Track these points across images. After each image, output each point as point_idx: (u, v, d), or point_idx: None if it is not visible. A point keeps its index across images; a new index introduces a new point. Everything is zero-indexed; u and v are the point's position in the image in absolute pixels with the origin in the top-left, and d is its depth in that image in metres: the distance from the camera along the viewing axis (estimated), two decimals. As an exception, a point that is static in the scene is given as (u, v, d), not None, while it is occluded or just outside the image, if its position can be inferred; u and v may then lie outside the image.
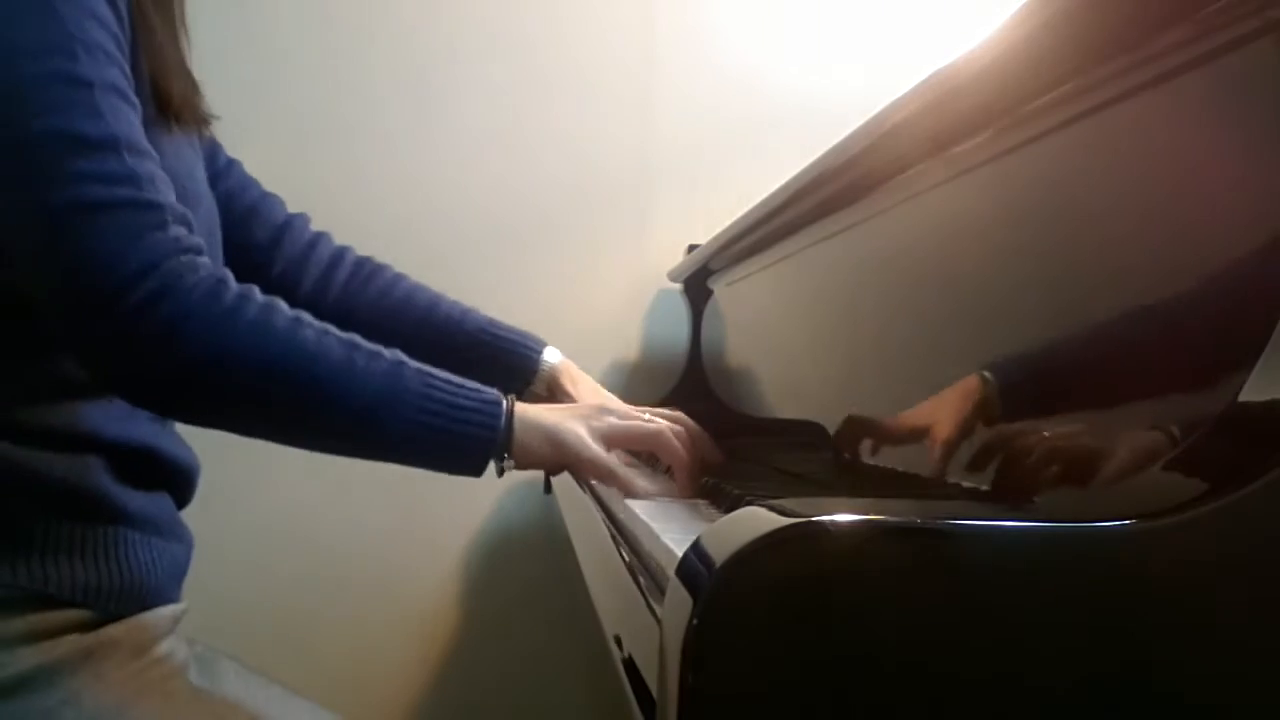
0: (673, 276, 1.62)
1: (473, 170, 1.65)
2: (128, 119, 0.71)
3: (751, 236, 1.22)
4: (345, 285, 1.04)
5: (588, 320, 1.67)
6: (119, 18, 0.74)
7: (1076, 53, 0.60)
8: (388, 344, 0.89)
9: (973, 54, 0.66)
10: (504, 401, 0.78)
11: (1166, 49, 0.54)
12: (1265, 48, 0.48)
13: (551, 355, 1.07)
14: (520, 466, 0.80)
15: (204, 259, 0.71)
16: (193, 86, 0.84)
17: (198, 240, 0.71)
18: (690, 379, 1.58)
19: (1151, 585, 0.43)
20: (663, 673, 0.44)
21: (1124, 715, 0.43)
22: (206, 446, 0.87)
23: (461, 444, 0.76)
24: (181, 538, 0.84)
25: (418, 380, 0.74)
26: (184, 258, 0.69)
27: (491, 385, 0.88)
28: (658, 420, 0.89)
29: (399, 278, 1.07)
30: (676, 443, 0.88)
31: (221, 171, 1.02)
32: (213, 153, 1.00)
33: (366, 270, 1.07)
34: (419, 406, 0.74)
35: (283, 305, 0.73)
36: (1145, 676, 0.43)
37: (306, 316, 0.74)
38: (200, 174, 0.87)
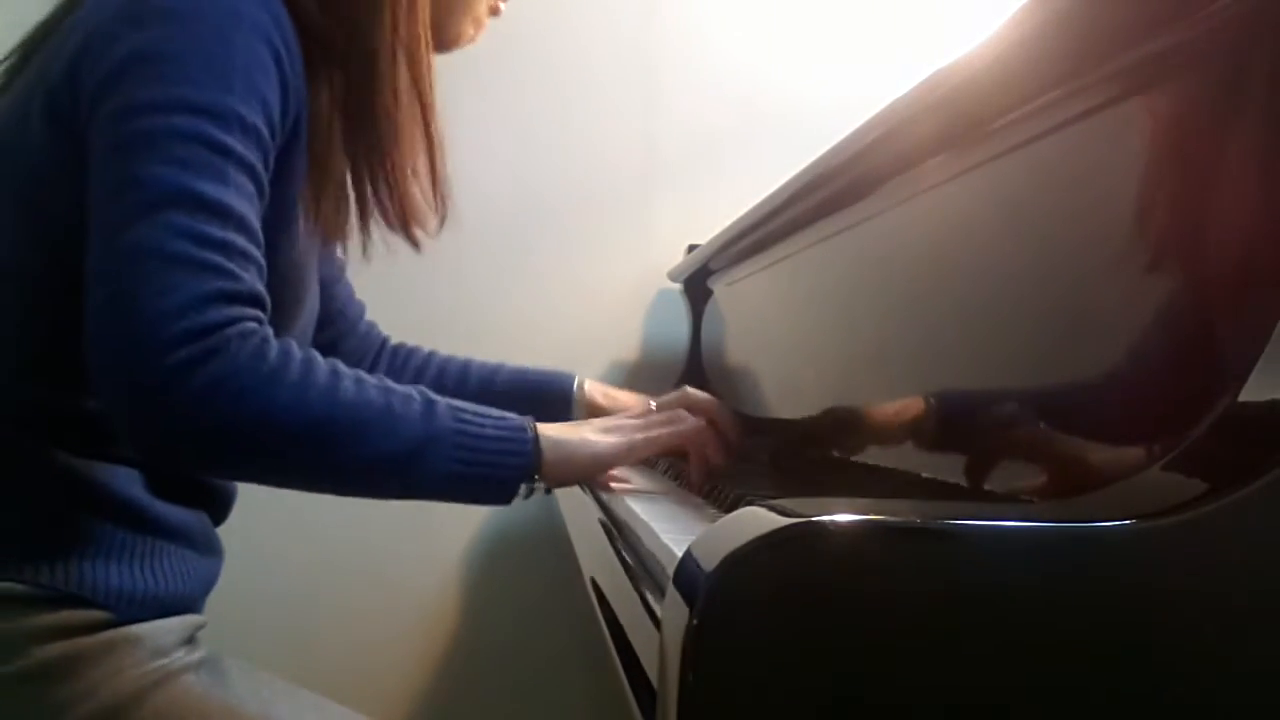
0: (673, 276, 1.62)
1: (473, 170, 1.65)
2: (249, 199, 0.72)
3: (751, 236, 1.22)
4: (386, 373, 1.09)
5: (588, 320, 1.67)
6: (285, 112, 0.76)
7: (1076, 53, 0.60)
8: None
9: (972, 54, 0.66)
10: (528, 427, 0.80)
11: (1166, 49, 0.54)
12: (1265, 48, 0.48)
13: (581, 382, 1.14)
14: (551, 486, 0.82)
15: (255, 325, 0.71)
16: (340, 216, 0.86)
17: (259, 315, 0.72)
18: (690, 379, 1.58)
19: (1151, 585, 0.43)
20: (663, 672, 0.44)
21: (1124, 715, 0.43)
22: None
23: (494, 476, 0.78)
24: (215, 552, 0.86)
25: (450, 417, 0.76)
26: (239, 326, 0.69)
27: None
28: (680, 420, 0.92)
29: (429, 356, 1.16)
30: (699, 440, 0.91)
31: (337, 274, 1.10)
32: (331, 260, 1.07)
33: (402, 355, 1.16)
34: (455, 444, 0.75)
35: (319, 358, 0.74)
36: (1145, 676, 0.43)
37: (341, 366, 0.75)
38: (314, 272, 0.90)
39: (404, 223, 0.88)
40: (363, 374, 0.75)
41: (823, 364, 1.03)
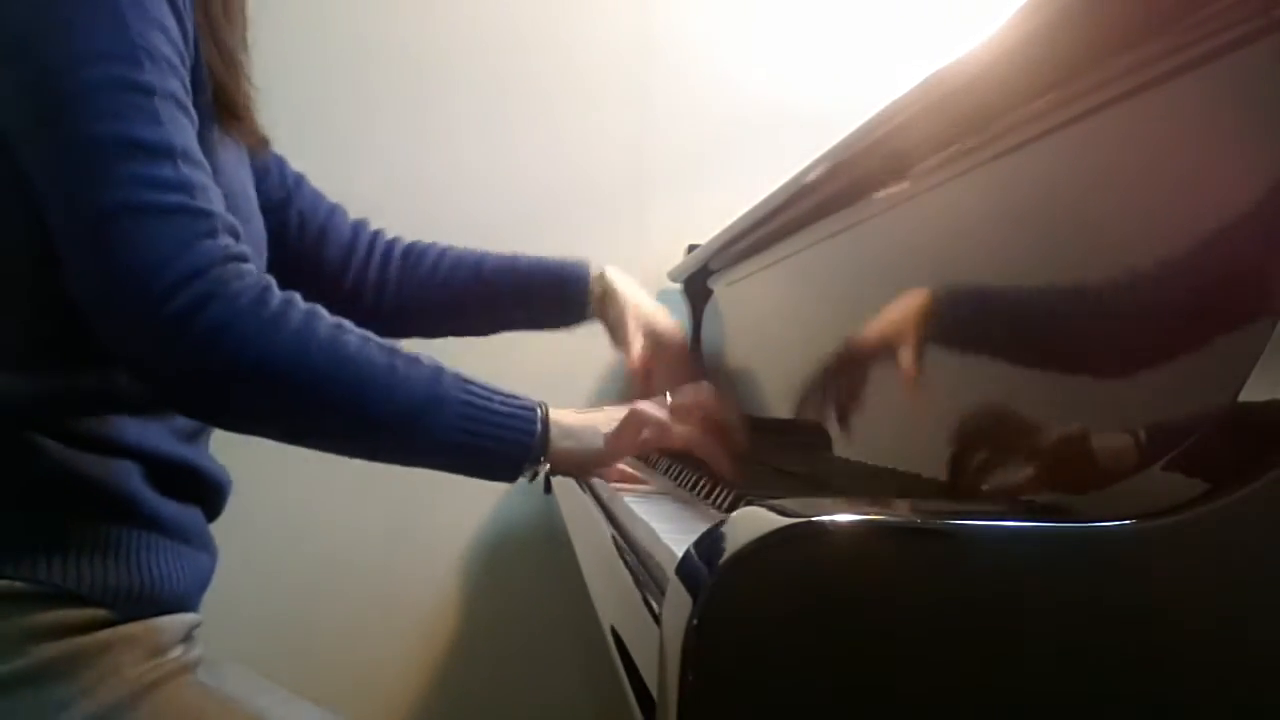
0: (673, 276, 1.62)
1: (471, 171, 1.65)
2: (184, 129, 0.72)
3: (751, 236, 1.22)
4: (399, 278, 1.09)
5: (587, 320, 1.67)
6: (184, 29, 0.75)
7: (1077, 52, 0.60)
8: (448, 308, 0.98)
9: (973, 54, 0.66)
10: (539, 409, 0.79)
11: (1166, 49, 0.54)
12: (1265, 48, 0.48)
13: (599, 270, 1.12)
14: (556, 471, 0.82)
15: (250, 266, 0.71)
16: (252, 100, 0.85)
17: (245, 249, 0.72)
18: (690, 379, 1.57)
19: (1151, 585, 0.43)
20: (663, 672, 0.44)
21: (1124, 715, 0.43)
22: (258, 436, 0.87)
23: (500, 450, 0.77)
24: (208, 548, 0.86)
25: (457, 387, 0.75)
26: (231, 265, 0.69)
27: (552, 313, 0.94)
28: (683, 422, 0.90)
29: (444, 251, 1.12)
30: (706, 440, 0.89)
31: (292, 189, 1.05)
32: (280, 168, 1.04)
33: (414, 255, 1.11)
34: (459, 413, 0.75)
35: (324, 313, 0.74)
36: (1146, 676, 0.43)
37: (348, 324, 0.74)
38: (251, 192, 0.89)
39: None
40: (370, 334, 0.75)
41: (823, 364, 1.03)
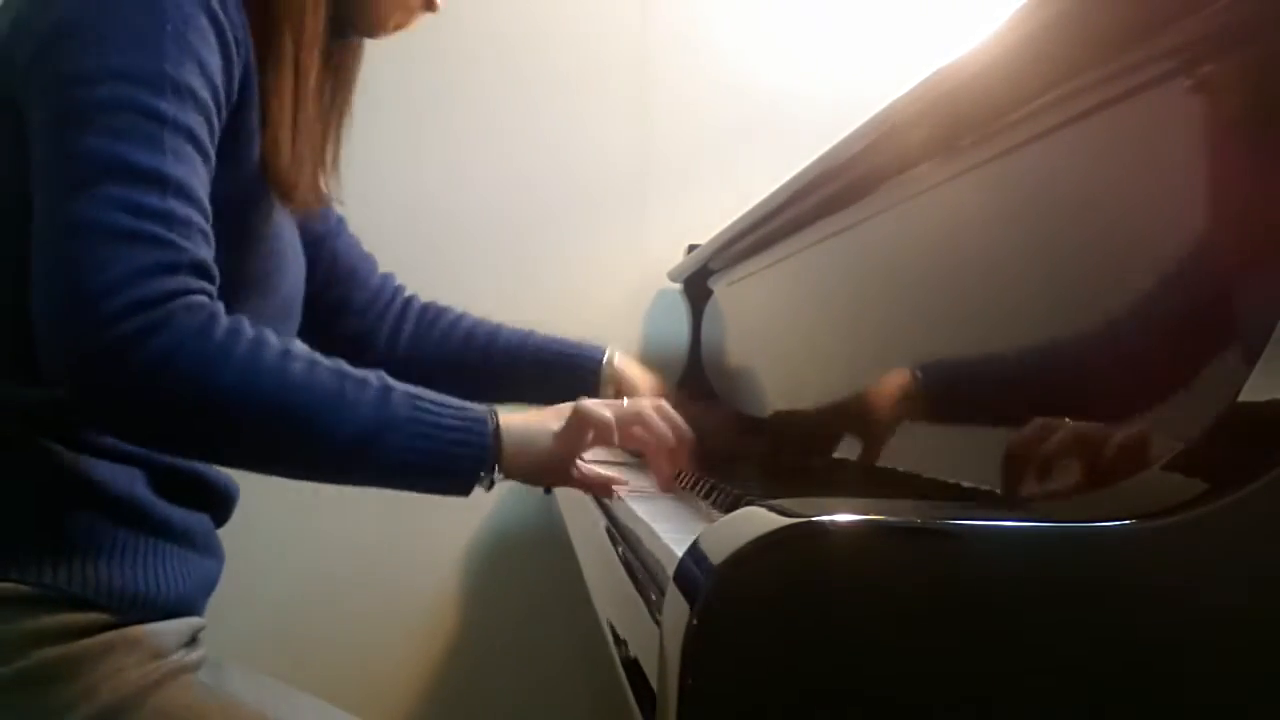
0: (673, 276, 1.62)
1: (471, 171, 1.65)
2: (189, 163, 0.71)
3: (751, 236, 1.22)
4: (413, 336, 1.08)
5: (588, 320, 1.66)
6: (229, 75, 0.74)
7: (1077, 52, 0.60)
8: (457, 378, 0.97)
9: (973, 54, 0.66)
10: (489, 419, 0.78)
11: (1166, 49, 0.54)
12: (1265, 48, 0.48)
13: (611, 357, 1.11)
14: (511, 477, 0.80)
15: (201, 299, 0.70)
16: (308, 170, 0.85)
17: (207, 288, 0.71)
18: (690, 379, 1.58)
19: (1151, 585, 0.43)
20: (662, 673, 0.44)
21: (1124, 715, 0.43)
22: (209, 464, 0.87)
23: (451, 466, 0.76)
24: (215, 553, 0.86)
25: (406, 404, 0.74)
26: (183, 299, 0.68)
27: (561, 394, 0.89)
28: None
29: (460, 317, 1.12)
30: (655, 427, 0.86)
31: (333, 229, 1.06)
32: (325, 211, 1.03)
33: (430, 316, 1.11)
34: (410, 431, 0.73)
35: (271, 337, 0.72)
36: (1146, 676, 0.43)
37: (297, 347, 0.73)
38: (293, 238, 0.89)
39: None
40: (319, 356, 0.73)
41: (823, 364, 1.03)
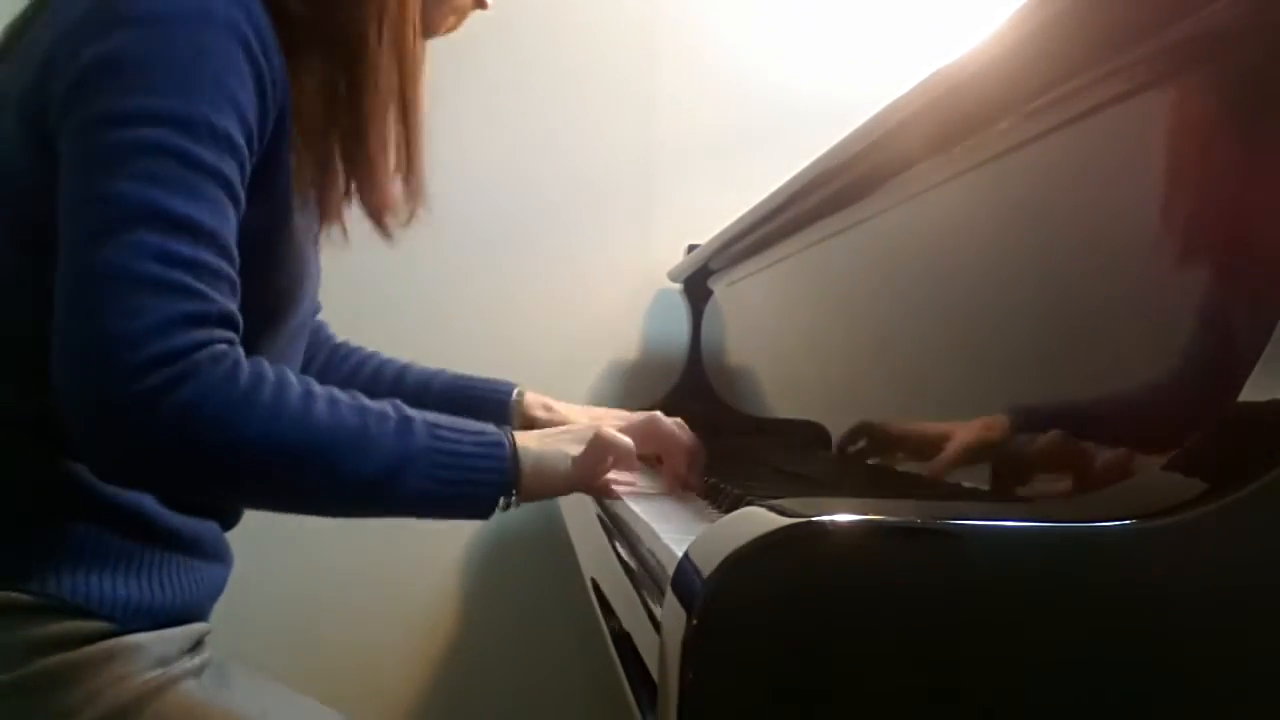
0: (673, 276, 1.62)
1: (472, 170, 1.65)
2: (222, 213, 0.70)
3: (751, 236, 1.22)
4: (322, 371, 1.08)
5: (588, 320, 1.67)
6: (263, 117, 0.73)
7: (1077, 52, 0.60)
8: None
9: (973, 54, 0.66)
10: (506, 442, 0.78)
11: (1167, 48, 0.54)
12: (1265, 48, 0.48)
13: (519, 393, 1.08)
14: (527, 499, 0.80)
15: (225, 347, 0.69)
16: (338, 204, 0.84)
17: (230, 335, 0.70)
18: (690, 379, 1.58)
19: (1151, 585, 0.43)
20: (663, 672, 0.44)
21: (1124, 715, 0.43)
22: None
23: (471, 493, 0.76)
24: (223, 559, 0.86)
25: (425, 434, 0.74)
26: (209, 350, 0.67)
27: None
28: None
29: (369, 356, 1.11)
30: (673, 428, 0.88)
31: None
32: None
33: (340, 354, 1.11)
34: (431, 462, 0.74)
35: (293, 379, 0.72)
36: (1145, 676, 0.43)
37: (314, 386, 0.73)
38: (314, 256, 0.88)
39: (376, 213, 0.85)
40: (336, 392, 0.73)
41: (823, 364, 1.03)
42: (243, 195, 0.73)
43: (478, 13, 0.97)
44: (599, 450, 0.81)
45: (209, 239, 0.68)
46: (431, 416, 0.75)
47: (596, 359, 1.66)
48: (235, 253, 0.71)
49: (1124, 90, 0.57)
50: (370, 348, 1.13)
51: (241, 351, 0.70)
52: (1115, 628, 0.43)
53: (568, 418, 1.05)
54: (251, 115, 0.72)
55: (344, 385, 0.93)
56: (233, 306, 0.70)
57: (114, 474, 0.71)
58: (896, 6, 1.69)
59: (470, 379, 1.09)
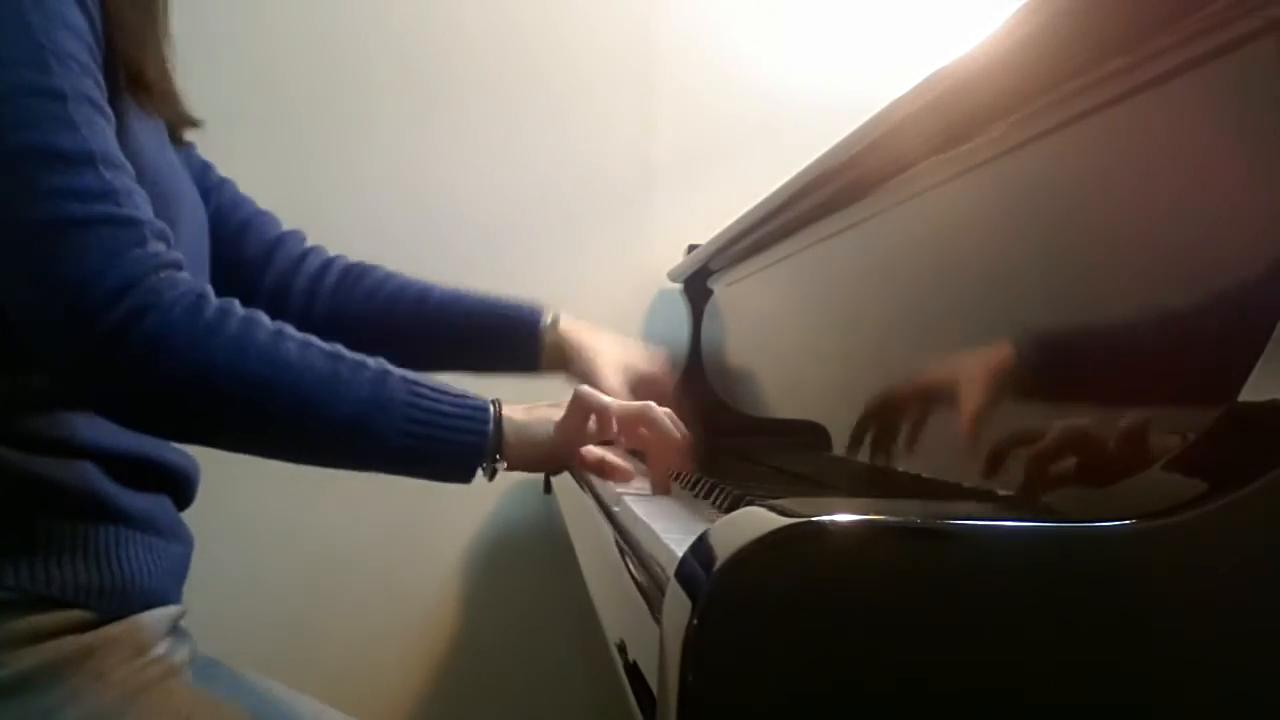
0: (673, 276, 1.62)
1: (472, 170, 1.65)
2: (102, 131, 0.70)
3: (751, 236, 1.22)
4: (333, 292, 1.02)
5: (588, 320, 1.67)
6: (90, 20, 0.72)
7: (1077, 52, 0.60)
8: (385, 340, 0.88)
9: (973, 53, 0.66)
10: (491, 407, 0.77)
11: (1167, 49, 0.54)
12: (1265, 48, 0.48)
13: (553, 318, 1.03)
14: (514, 467, 0.79)
15: (184, 274, 0.70)
16: (169, 80, 0.82)
17: (177, 255, 0.71)
18: (690, 379, 1.58)
19: (1152, 585, 0.43)
20: (663, 673, 0.44)
21: (1125, 715, 0.43)
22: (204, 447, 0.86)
23: (451, 451, 0.75)
24: (182, 538, 0.84)
25: (403, 389, 0.74)
26: (164, 273, 0.68)
27: (499, 360, 0.89)
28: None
29: (389, 275, 1.04)
30: (666, 422, 0.84)
31: (213, 188, 1.00)
32: (204, 170, 1.00)
33: (355, 274, 1.04)
34: (406, 416, 0.73)
35: (264, 319, 0.72)
36: (1145, 676, 0.43)
37: (289, 329, 0.72)
38: (182, 173, 0.86)
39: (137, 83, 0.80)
40: (314, 339, 0.73)
41: (823, 364, 1.03)
42: (108, 106, 0.72)
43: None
44: (580, 409, 0.80)
45: (105, 161, 0.68)
46: (414, 374, 0.75)
47: (596, 359, 1.66)
48: (130, 165, 0.71)
49: (1124, 90, 0.57)
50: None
51: (208, 286, 0.70)
52: (1115, 628, 0.43)
53: (596, 347, 1.01)
54: (81, 24, 0.71)
55: (361, 309, 0.95)
56: (151, 215, 0.70)
57: (113, 413, 0.72)
58: (897, 6, 1.69)
59: (498, 299, 1.03)
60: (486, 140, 1.65)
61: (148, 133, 0.80)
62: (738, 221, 1.21)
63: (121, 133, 0.75)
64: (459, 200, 1.64)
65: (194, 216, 0.86)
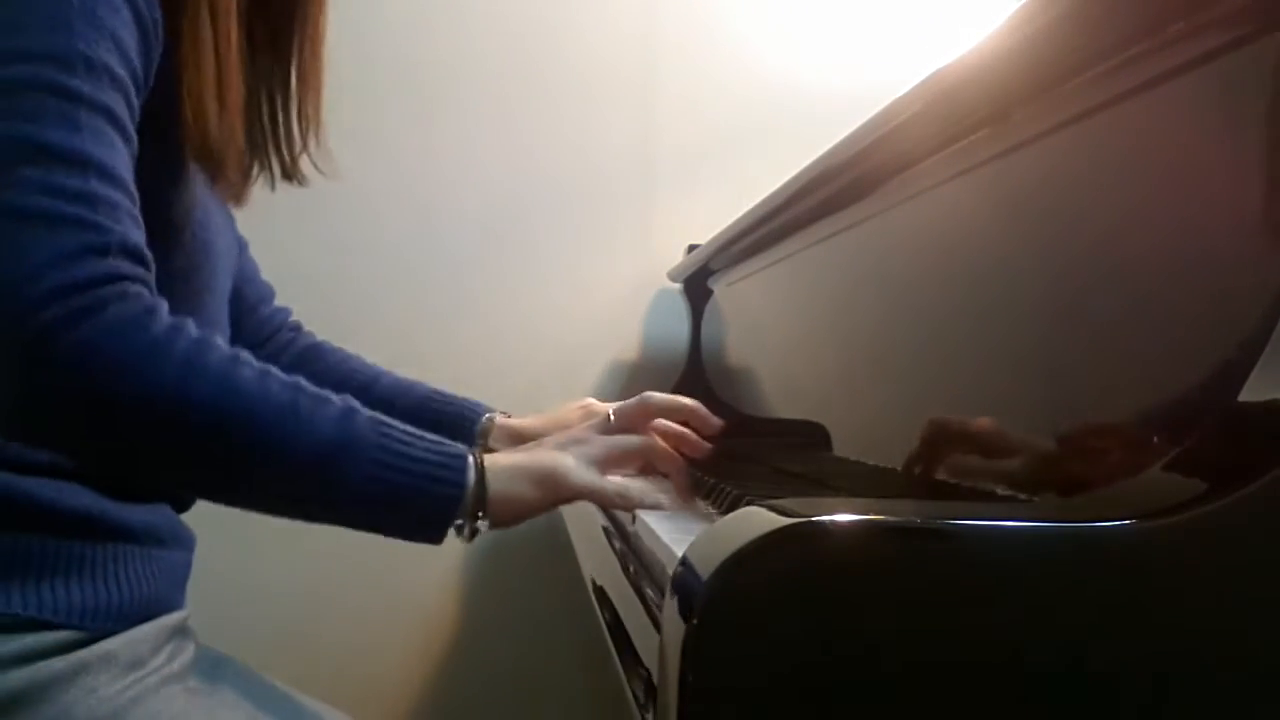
0: (673, 276, 1.62)
1: (473, 171, 1.65)
2: (110, 144, 0.66)
3: (752, 236, 1.22)
4: (291, 365, 0.99)
5: (588, 320, 1.67)
6: (147, 51, 0.70)
7: (1078, 52, 0.60)
8: None
9: (973, 53, 0.66)
10: (469, 455, 0.70)
11: (1167, 49, 0.54)
12: (1265, 48, 0.48)
13: (494, 415, 1.03)
14: (501, 523, 0.71)
15: (142, 289, 0.63)
16: (238, 137, 0.79)
17: (145, 275, 0.65)
18: (690, 379, 1.58)
19: (1151, 585, 0.43)
20: (663, 672, 0.44)
21: (1126, 714, 0.43)
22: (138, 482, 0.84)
23: (421, 503, 0.68)
24: (183, 542, 0.82)
25: (371, 429, 0.66)
26: (116, 285, 0.61)
27: None
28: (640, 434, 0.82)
29: (345, 359, 1.07)
30: (669, 448, 0.82)
31: (237, 250, 1.00)
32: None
33: (313, 352, 1.06)
34: (373, 459, 0.65)
35: (219, 343, 0.65)
36: (1145, 676, 0.43)
37: (246, 354, 0.66)
38: (224, 227, 0.84)
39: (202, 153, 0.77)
40: (272, 368, 0.66)
41: (823, 364, 1.03)
42: (133, 131, 0.68)
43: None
44: (556, 490, 0.73)
45: (97, 170, 0.64)
46: (384, 416, 0.69)
47: (596, 359, 1.66)
48: (133, 187, 0.67)
49: (1125, 89, 0.57)
50: (368, 348, 1.10)
51: (163, 302, 0.64)
52: (1115, 627, 0.43)
53: (556, 413, 1.00)
54: (132, 48, 0.68)
55: (316, 378, 0.84)
56: (136, 237, 0.65)
57: (9, 424, 0.64)
58: (897, 6, 1.69)
59: (446, 396, 1.03)
60: (486, 141, 1.65)
61: (203, 183, 0.78)
62: (738, 221, 1.21)
63: (180, 169, 0.73)
64: (459, 201, 1.64)
65: (226, 271, 0.84)
